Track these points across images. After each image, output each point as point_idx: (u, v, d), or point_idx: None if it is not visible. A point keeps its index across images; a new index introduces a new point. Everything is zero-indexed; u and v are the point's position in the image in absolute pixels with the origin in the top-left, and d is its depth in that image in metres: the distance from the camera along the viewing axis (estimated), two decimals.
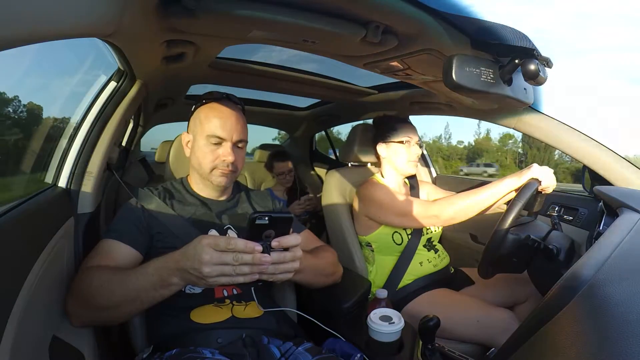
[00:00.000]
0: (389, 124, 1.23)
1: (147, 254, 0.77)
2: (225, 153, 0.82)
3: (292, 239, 0.60)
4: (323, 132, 2.53)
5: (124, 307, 0.65)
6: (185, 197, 0.87)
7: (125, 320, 0.75)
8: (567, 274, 0.51)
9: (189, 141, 0.87)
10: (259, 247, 0.56)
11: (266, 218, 0.56)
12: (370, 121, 1.39)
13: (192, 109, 0.89)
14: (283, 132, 2.91)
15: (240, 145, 0.85)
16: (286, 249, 0.60)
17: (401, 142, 1.20)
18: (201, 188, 0.88)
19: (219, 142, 0.82)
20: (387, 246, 1.18)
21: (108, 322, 0.73)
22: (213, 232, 0.82)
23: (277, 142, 3.06)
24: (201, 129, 0.83)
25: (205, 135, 0.82)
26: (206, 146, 0.82)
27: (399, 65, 0.90)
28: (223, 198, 0.90)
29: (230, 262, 0.56)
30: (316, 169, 2.59)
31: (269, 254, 0.57)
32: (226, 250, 0.56)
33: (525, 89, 0.78)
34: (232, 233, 0.84)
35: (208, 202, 0.87)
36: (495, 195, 0.98)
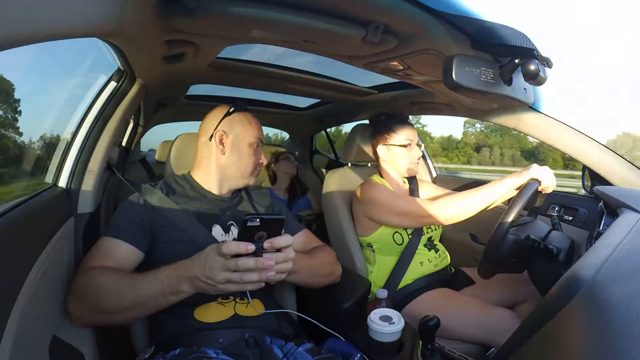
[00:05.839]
0: (389, 125, 1.23)
1: (150, 250, 0.77)
2: (261, 157, 0.91)
3: (283, 240, 0.61)
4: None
5: (129, 312, 0.65)
6: (189, 192, 0.87)
7: (127, 323, 0.75)
8: (567, 274, 0.51)
9: (222, 139, 0.88)
10: (251, 246, 0.57)
11: (257, 220, 0.58)
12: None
13: (229, 110, 0.89)
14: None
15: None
16: (278, 250, 0.61)
17: (403, 145, 1.20)
18: (210, 185, 0.89)
19: (257, 146, 0.91)
20: (388, 246, 1.18)
21: (110, 324, 0.73)
22: (217, 227, 0.84)
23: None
24: (245, 133, 0.88)
25: (250, 141, 0.89)
26: (251, 150, 0.89)
27: (399, 65, 0.90)
28: (227, 195, 0.92)
29: (234, 267, 0.57)
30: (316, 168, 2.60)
31: (262, 255, 0.59)
32: (226, 255, 0.57)
33: (525, 88, 0.78)
34: (235, 229, 0.86)
35: (212, 197, 0.89)
36: (495, 194, 0.98)
